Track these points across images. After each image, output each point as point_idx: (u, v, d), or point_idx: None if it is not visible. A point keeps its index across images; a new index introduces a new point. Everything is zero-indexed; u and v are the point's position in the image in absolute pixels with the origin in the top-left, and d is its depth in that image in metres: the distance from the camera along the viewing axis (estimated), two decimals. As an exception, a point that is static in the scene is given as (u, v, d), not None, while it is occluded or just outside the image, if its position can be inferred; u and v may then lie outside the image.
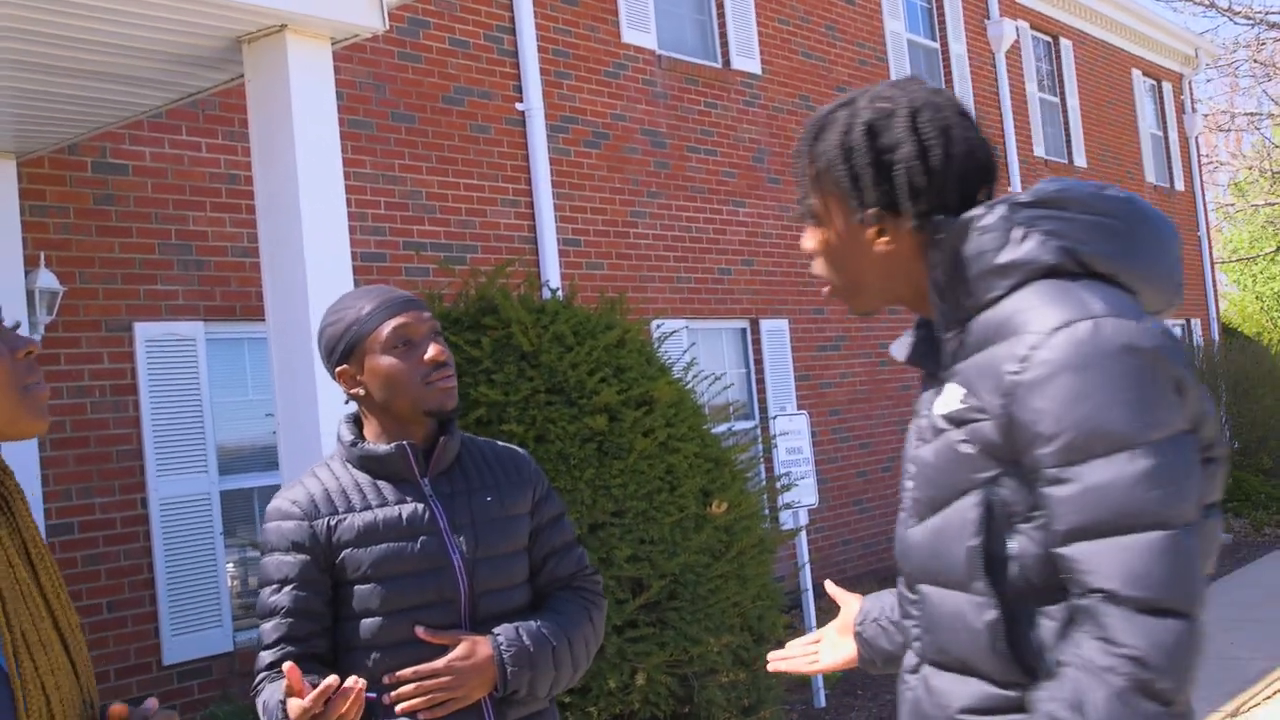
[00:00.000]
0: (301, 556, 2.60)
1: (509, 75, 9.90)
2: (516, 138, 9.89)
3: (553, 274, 9.78)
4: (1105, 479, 1.65)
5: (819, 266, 2.01)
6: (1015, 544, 1.75)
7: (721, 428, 8.61)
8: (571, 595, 2.80)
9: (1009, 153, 16.25)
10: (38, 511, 6.87)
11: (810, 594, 8.70)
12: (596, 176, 10.55)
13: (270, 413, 7.87)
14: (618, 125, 10.82)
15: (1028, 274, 1.81)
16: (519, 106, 9.91)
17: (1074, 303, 1.74)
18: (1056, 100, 17.94)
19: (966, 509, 1.78)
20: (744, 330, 12.05)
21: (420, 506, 2.64)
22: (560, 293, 6.57)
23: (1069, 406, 1.67)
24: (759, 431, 11.26)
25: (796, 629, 10.02)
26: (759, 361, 11.98)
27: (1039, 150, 16.88)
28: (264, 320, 6.28)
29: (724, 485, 6.25)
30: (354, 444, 2.68)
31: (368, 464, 2.67)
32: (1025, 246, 1.82)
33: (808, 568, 8.70)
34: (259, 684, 2.59)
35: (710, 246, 11.58)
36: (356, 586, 2.59)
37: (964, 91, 15.53)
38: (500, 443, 2.88)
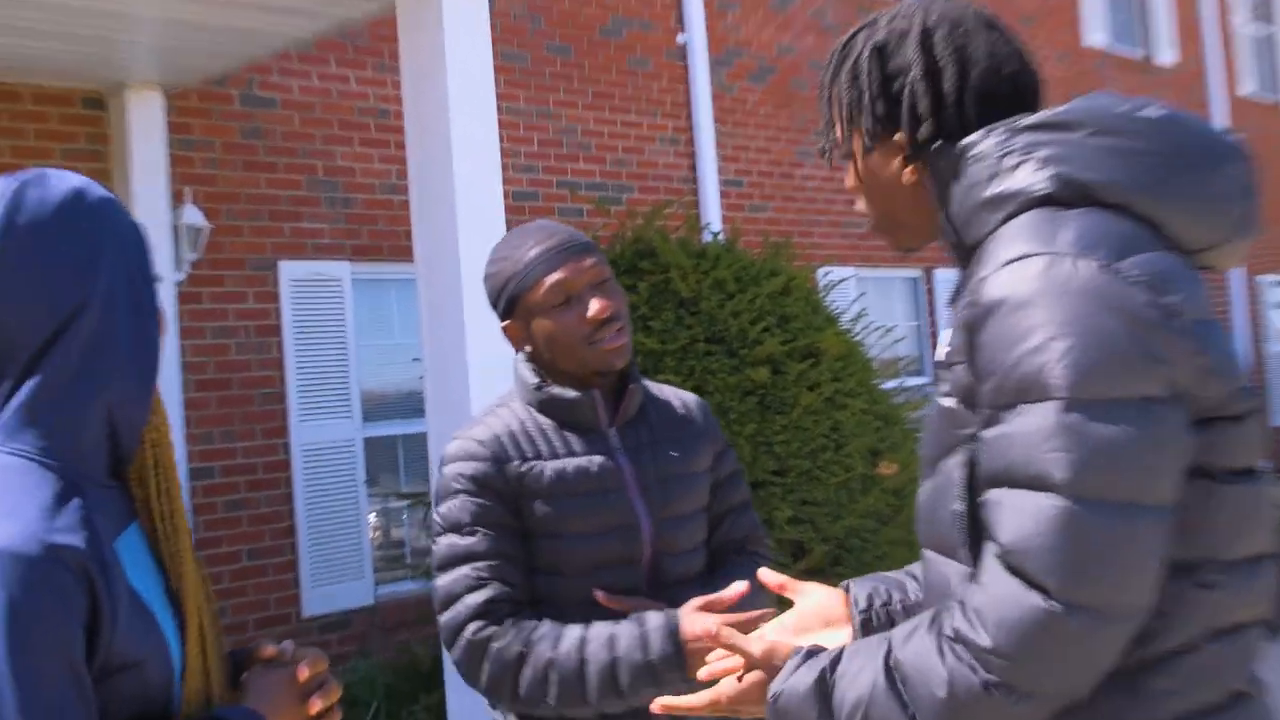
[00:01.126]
0: (491, 499, 2.54)
1: (669, 5, 9.84)
2: (677, 72, 9.83)
3: (714, 216, 9.73)
4: (1026, 427, 1.56)
5: (860, 202, 1.96)
6: None
7: (892, 383, 8.50)
8: (748, 562, 2.75)
9: (1210, 91, 15.70)
10: (180, 454, 7.06)
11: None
12: (761, 113, 10.46)
13: (417, 358, 7.98)
14: (785, 59, 10.70)
15: (1019, 206, 1.71)
16: (680, 38, 9.85)
17: (1043, 235, 1.63)
18: (1272, 31, 17.25)
19: (952, 469, 1.70)
20: (916, 280, 11.88)
21: (609, 459, 2.60)
22: (721, 236, 6.53)
23: (1006, 346, 1.59)
24: (932, 388, 11.10)
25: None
26: (932, 313, 11.81)
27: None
28: (412, 261, 6.35)
29: (894, 445, 6.17)
30: (539, 386, 2.62)
31: (553, 409, 2.62)
32: (1017, 176, 1.71)
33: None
34: (479, 634, 2.48)
35: (882, 189, 11.42)
36: (540, 539, 2.55)
37: (1158, 22, 15.02)
38: (671, 389, 2.83)
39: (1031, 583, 1.54)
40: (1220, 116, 15.65)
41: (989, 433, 1.61)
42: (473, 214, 5.20)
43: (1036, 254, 1.61)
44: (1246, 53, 16.61)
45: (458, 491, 2.56)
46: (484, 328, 5.12)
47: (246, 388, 7.40)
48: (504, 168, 8.50)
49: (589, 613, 2.53)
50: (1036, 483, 1.55)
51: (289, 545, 7.50)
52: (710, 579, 2.68)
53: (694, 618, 2.43)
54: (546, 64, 9.00)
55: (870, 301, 11.21)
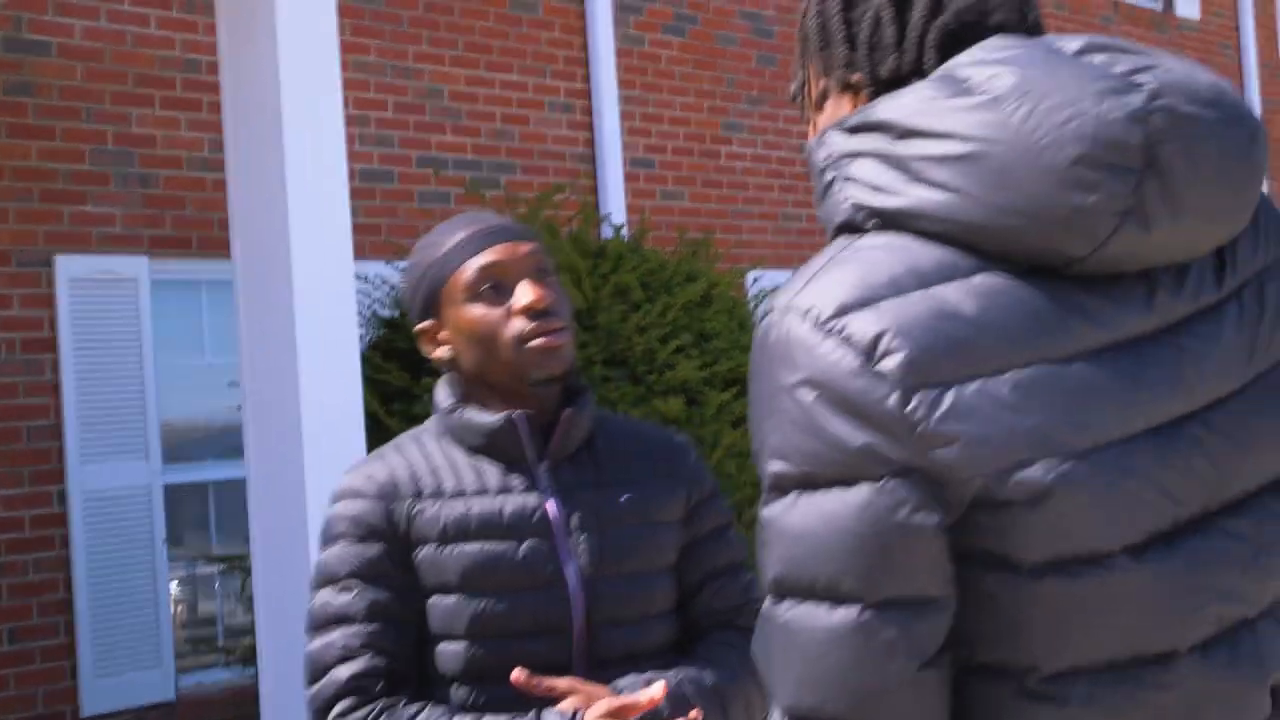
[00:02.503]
0: (378, 546, 2.59)
1: (564, -66, 9.89)
2: (572, 19, 9.86)
3: (616, 205, 9.77)
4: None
5: None
6: None
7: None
8: (734, 640, 2.77)
9: (1244, 57, 16.03)
10: (-77, 504, 6.96)
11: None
12: (678, 74, 10.52)
13: (234, 382, 7.93)
14: (708, 4, 10.77)
15: (833, 233, 1.78)
16: (576, -23, 9.89)
17: (791, 285, 1.71)
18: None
19: None
20: (872, 288, 11.99)
21: (530, 499, 2.63)
22: (625, 231, 6.55)
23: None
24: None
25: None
26: (891, 331, 11.93)
27: None
28: (228, 257, 6.32)
29: (841, 497, 6.23)
30: (453, 410, 2.67)
31: (467, 437, 2.68)
32: (828, 201, 1.78)
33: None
34: (343, 717, 2.54)
35: (829, 173, 11.53)
36: (436, 597, 2.59)
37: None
38: (651, 425, 2.85)
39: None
40: (1252, 83, 15.98)
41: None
42: (308, 198, 5.19)
43: (770, 312, 1.70)
44: (1283, 9, 16.94)
45: (338, 537, 2.62)
46: (322, 344, 5.10)
47: (9, 419, 7.31)
48: (349, 139, 8.47)
49: (507, 695, 2.57)
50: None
51: (64, 623, 7.41)
52: (681, 658, 2.72)
53: None
54: (405, 6, 9.00)
55: (813, 315, 11.31)
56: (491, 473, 2.64)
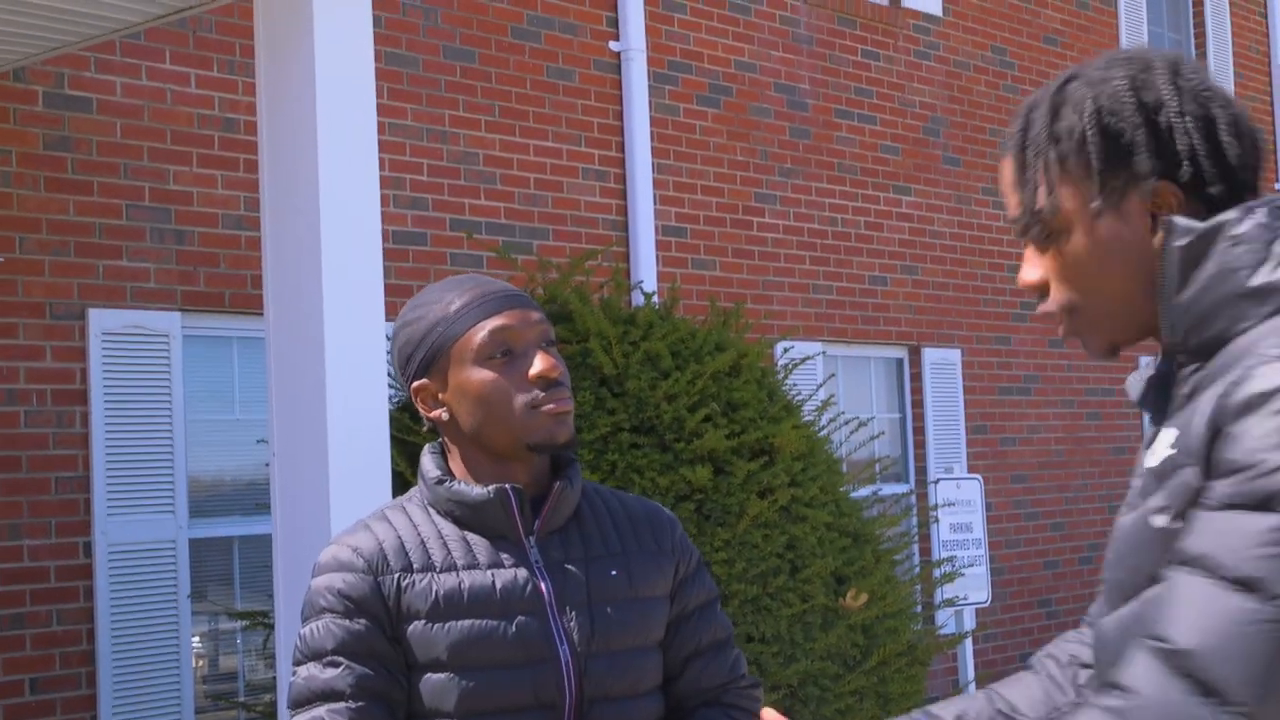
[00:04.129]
0: (364, 622, 2.56)
1: (602, 3, 9.94)
2: (608, 88, 9.91)
3: (648, 273, 9.79)
4: (1254, 525, 1.71)
5: (1060, 297, 2.05)
6: None
7: (864, 491, 8.55)
8: (720, 716, 2.74)
9: (1277, 136, 16.04)
10: (-50, 553, 6.98)
11: (974, 725, 8.60)
12: (712, 145, 10.56)
13: (263, 439, 7.94)
14: (743, 77, 10.82)
15: None
16: (613, 46, 9.94)
17: None
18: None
19: None
20: (900, 361, 11.97)
21: (521, 574, 2.60)
22: (656, 299, 6.56)
23: (1269, 442, 1.73)
24: (914, 500, 11.16)
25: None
26: (919, 405, 11.89)
27: None
28: (260, 315, 6.34)
29: (864, 570, 6.21)
30: (440, 481, 2.65)
31: (456, 510, 2.64)
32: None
33: (973, 688, 8.59)
34: None
35: (861, 246, 11.53)
36: (425, 675, 2.55)
37: (1221, 56, 15.35)
38: (635, 497, 2.84)
39: (1209, 690, 1.68)
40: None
41: (1204, 515, 1.76)
42: (341, 257, 5.21)
43: None
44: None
45: (323, 610, 2.58)
46: (351, 403, 5.11)
47: (39, 470, 7.33)
48: (383, 201, 8.52)
49: None
50: (1240, 584, 1.70)
51: (86, 675, 7.41)
52: None
53: None
54: (443, 71, 9.05)
55: (841, 387, 11.28)
56: (481, 546, 2.62)
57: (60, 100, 7.51)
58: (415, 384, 2.67)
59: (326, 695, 2.53)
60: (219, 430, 8.05)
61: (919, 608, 7.00)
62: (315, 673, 2.55)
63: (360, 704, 2.52)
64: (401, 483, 5.75)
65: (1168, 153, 1.94)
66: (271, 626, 6.46)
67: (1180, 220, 1.92)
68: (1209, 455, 1.79)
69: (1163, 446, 1.90)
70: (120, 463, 7.56)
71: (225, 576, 8.06)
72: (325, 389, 5.11)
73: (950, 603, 8.20)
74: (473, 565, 2.60)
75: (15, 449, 7.28)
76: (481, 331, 2.61)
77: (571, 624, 2.60)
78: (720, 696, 2.77)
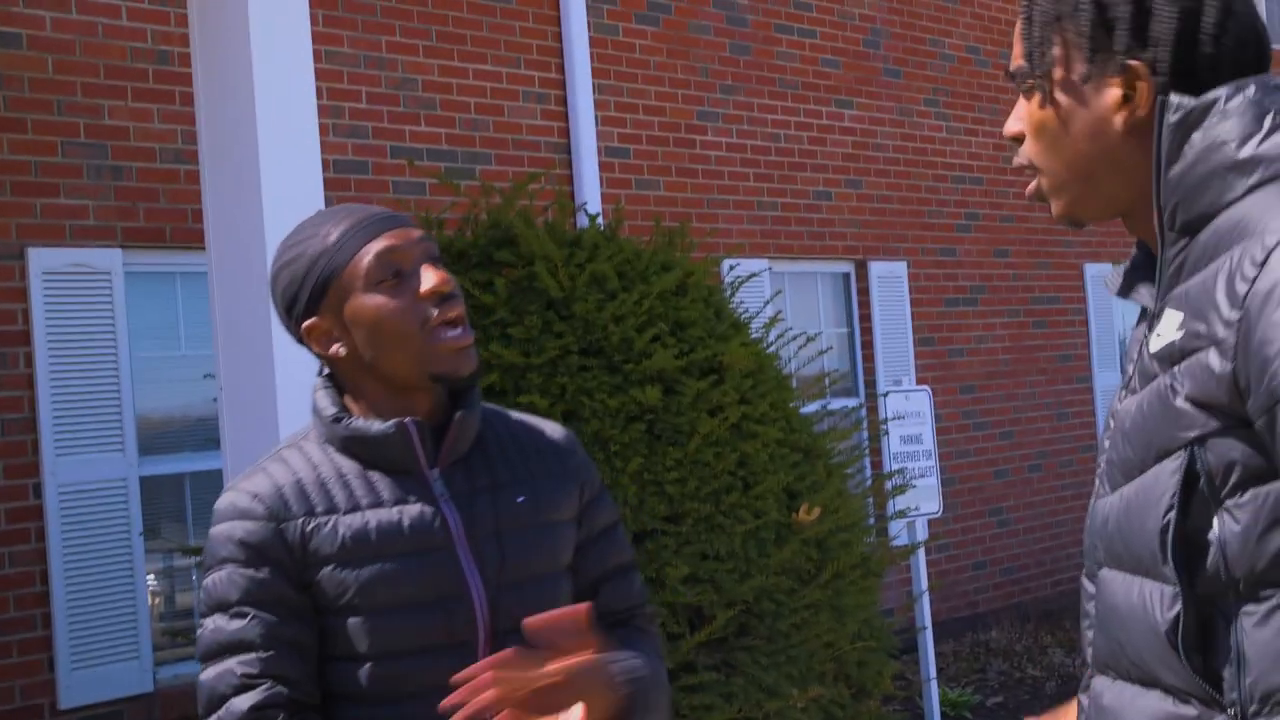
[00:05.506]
0: (267, 570, 2.50)
1: (536, -77, 9.88)
2: (545, 9, 9.86)
3: (592, 194, 9.78)
4: None
5: (1029, 150, 2.10)
6: (1219, 525, 1.85)
7: (814, 406, 8.59)
8: (635, 636, 2.70)
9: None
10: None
11: (929, 633, 8.69)
12: (652, 63, 10.52)
13: (210, 373, 7.91)
14: (682, -6, 10.78)
15: (1275, 172, 1.90)
16: (549, -34, 9.89)
17: None
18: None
19: (1165, 476, 1.88)
20: (847, 275, 12.00)
21: (427, 510, 2.56)
22: (601, 220, 6.55)
23: None
24: (864, 413, 11.22)
25: (910, 680, 10.03)
26: (866, 319, 11.94)
27: None
28: (203, 249, 6.31)
29: (816, 484, 6.24)
30: (337, 419, 2.58)
31: (355, 447, 2.58)
32: (1276, 138, 1.91)
33: (926, 598, 8.68)
34: None
35: (804, 161, 11.53)
36: (336, 618, 2.51)
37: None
38: (532, 418, 2.79)
39: None
40: None
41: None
42: (282, 188, 5.19)
43: None
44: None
45: (224, 560, 2.53)
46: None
47: (-15, 412, 7.31)
48: (322, 131, 8.47)
49: (401, 711, 2.51)
50: None
51: (41, 616, 7.41)
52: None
53: None
54: (377, -3, 8.99)
55: (789, 303, 11.31)
56: (384, 483, 2.56)
57: (-10, 38, 7.44)
58: (306, 324, 2.59)
59: (236, 647, 2.49)
60: (165, 367, 8.03)
61: (871, 520, 7.04)
62: (222, 624, 2.50)
63: (270, 653, 2.48)
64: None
65: (1148, 35, 1.98)
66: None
67: (1174, 97, 1.95)
68: (1239, 347, 1.80)
69: (1170, 329, 1.92)
70: (66, 403, 7.53)
71: (178, 513, 8.05)
72: (270, 322, 5.10)
73: (902, 514, 8.27)
74: (377, 504, 2.54)
75: (-40, 392, 7.25)
76: (367, 256, 2.54)
77: (482, 556, 2.56)
78: (631, 619, 2.75)
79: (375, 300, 2.54)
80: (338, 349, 2.59)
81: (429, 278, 2.53)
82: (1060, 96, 2.04)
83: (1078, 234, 13.90)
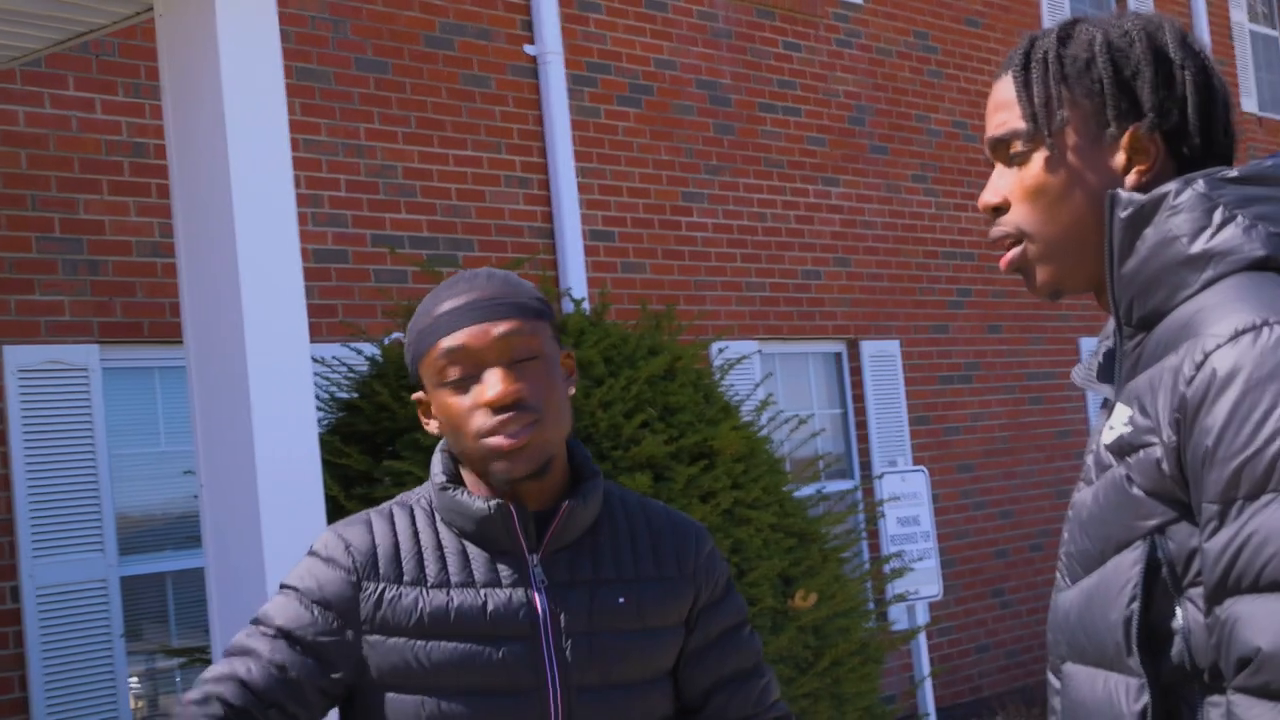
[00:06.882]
0: (324, 617, 2.50)
1: (516, 7, 9.93)
2: (526, 93, 9.90)
3: (576, 279, 9.78)
4: (1274, 522, 1.76)
5: (1017, 219, 2.11)
6: (1182, 615, 1.88)
7: (809, 490, 8.57)
8: None
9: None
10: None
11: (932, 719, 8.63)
12: (636, 145, 10.56)
13: (190, 469, 7.89)
14: (664, 75, 10.83)
15: (1227, 267, 1.93)
16: (529, 50, 9.93)
17: (1271, 302, 1.86)
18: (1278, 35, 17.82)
19: (1125, 566, 1.91)
20: (839, 355, 12.00)
21: (518, 595, 2.49)
22: (586, 305, 6.55)
23: (1250, 426, 1.79)
24: (860, 495, 11.20)
25: (913, 769, 9.96)
26: (859, 398, 11.93)
27: (1248, 104, 16.78)
28: (181, 344, 6.30)
29: (811, 569, 6.22)
30: (445, 488, 2.54)
31: (457, 520, 2.53)
32: (1226, 233, 1.93)
33: (929, 683, 8.63)
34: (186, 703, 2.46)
35: (792, 240, 11.56)
36: (397, 693, 2.46)
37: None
38: (665, 509, 2.69)
39: None
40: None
41: (1224, 533, 1.79)
42: (261, 279, 5.18)
43: (1274, 322, 1.82)
44: None
45: (294, 589, 2.53)
46: (279, 429, 5.08)
47: (-39, 514, 7.27)
48: (302, 220, 8.48)
49: None
50: None
51: (20, 723, 7.35)
52: None
53: None
54: (356, 84, 9.02)
55: (780, 384, 11.30)
56: (480, 561, 2.51)
57: (-38, 133, 7.45)
58: (415, 396, 2.60)
59: (247, 653, 2.49)
60: (145, 464, 8.00)
61: (870, 605, 7.02)
62: (250, 634, 2.52)
63: (268, 675, 2.46)
64: (334, 507, 5.73)
65: (1162, 98, 2.02)
66: (209, 662, 6.42)
67: (1123, 193, 1.99)
68: (1185, 440, 1.85)
69: (1119, 423, 1.95)
70: (44, 502, 7.50)
71: (160, 613, 8.00)
72: (251, 416, 5.08)
73: (901, 598, 8.24)
74: (466, 583, 2.49)
75: (-65, 494, 7.21)
76: (437, 351, 2.50)
77: (566, 651, 2.48)
78: None
79: (440, 396, 2.52)
80: (432, 425, 2.58)
81: (491, 386, 2.46)
82: (1072, 159, 2.06)
83: (1071, 308, 13.93)
